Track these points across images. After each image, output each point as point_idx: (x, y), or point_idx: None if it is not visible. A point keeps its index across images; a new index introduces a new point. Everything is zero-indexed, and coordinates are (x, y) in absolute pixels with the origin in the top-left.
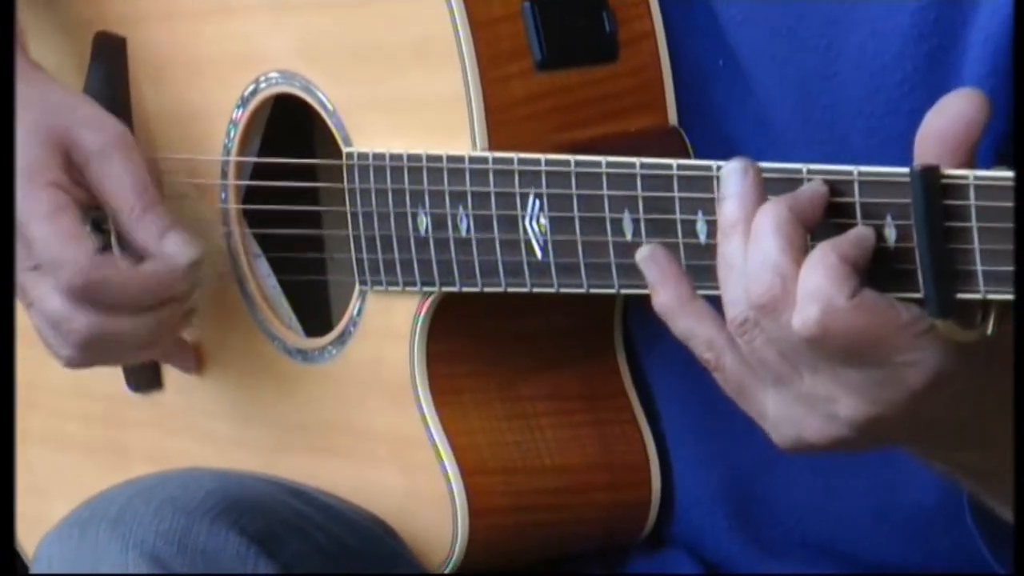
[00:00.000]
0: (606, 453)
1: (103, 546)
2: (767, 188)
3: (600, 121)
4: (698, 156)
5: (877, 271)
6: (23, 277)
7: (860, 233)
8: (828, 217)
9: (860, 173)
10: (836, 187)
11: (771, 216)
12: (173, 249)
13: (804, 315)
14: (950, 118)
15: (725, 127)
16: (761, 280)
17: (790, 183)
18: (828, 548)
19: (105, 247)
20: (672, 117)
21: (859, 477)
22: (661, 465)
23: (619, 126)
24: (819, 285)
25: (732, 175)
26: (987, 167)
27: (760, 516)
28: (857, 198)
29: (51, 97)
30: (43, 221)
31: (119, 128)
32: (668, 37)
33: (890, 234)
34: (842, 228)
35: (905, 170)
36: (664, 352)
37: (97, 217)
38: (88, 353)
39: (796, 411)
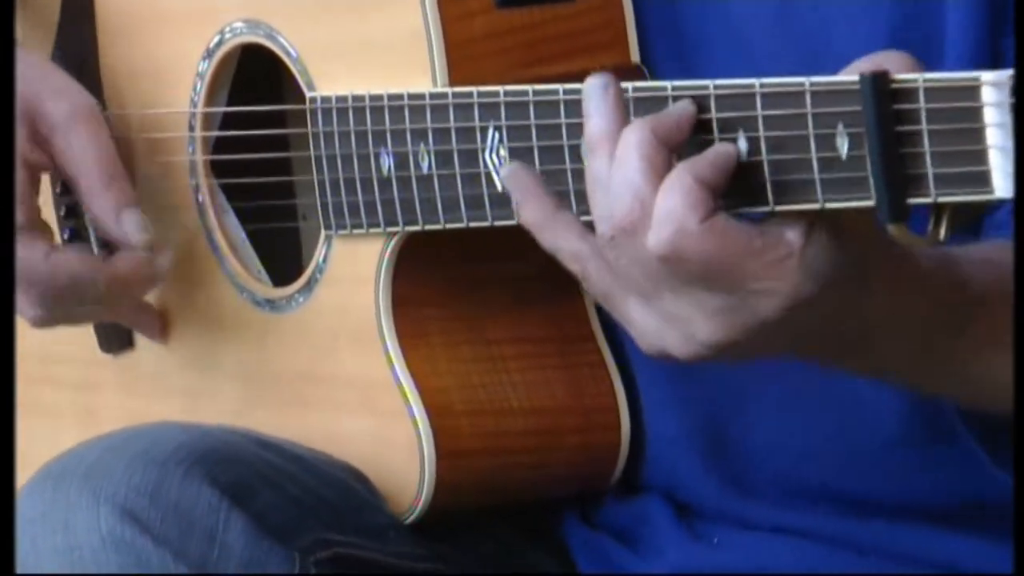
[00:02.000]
0: (575, 396)
1: (75, 501)
2: (644, 109)
3: (562, 59)
4: None
5: (830, 181)
6: None
7: (718, 151)
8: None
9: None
10: (702, 104)
11: (634, 139)
12: (128, 228)
13: (657, 236)
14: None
15: (701, 55)
16: (623, 202)
17: (659, 102)
18: (803, 484)
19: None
20: (635, 55)
21: (830, 413)
22: (631, 408)
23: (581, 64)
24: (672, 207)
25: (593, 92)
26: None
27: (734, 455)
28: (810, 108)
29: (22, 66)
30: None
31: (86, 100)
32: None
33: (841, 143)
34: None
35: (855, 78)
36: None
37: (70, 203)
38: (46, 314)
39: (658, 325)
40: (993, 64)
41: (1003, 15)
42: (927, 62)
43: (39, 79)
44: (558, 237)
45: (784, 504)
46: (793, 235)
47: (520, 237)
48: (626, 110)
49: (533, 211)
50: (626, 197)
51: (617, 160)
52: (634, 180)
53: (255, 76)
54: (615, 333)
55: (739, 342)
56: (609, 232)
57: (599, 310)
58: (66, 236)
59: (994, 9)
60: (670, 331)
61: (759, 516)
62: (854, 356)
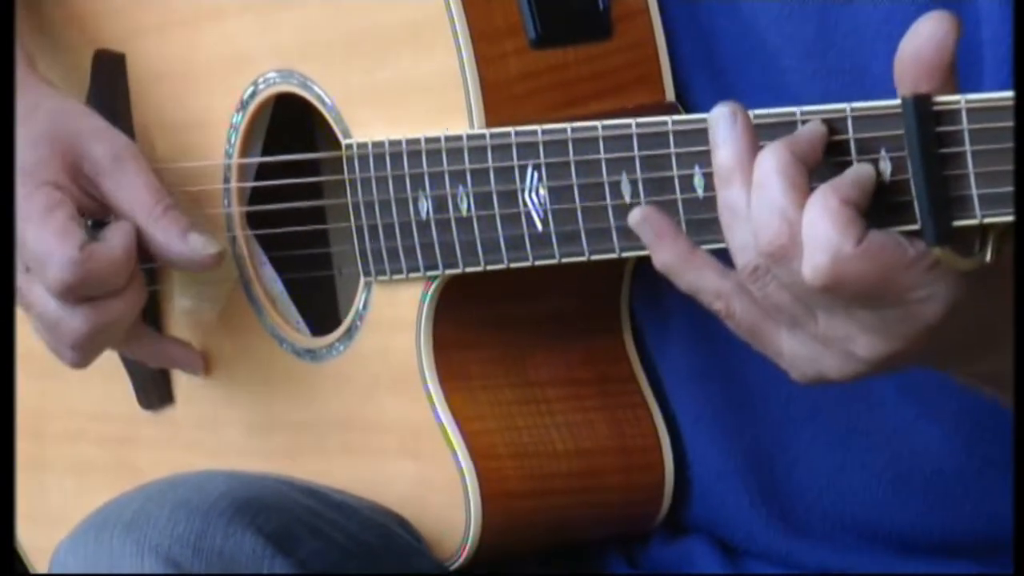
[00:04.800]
0: (618, 436)
1: (118, 551)
2: (765, 135)
3: (597, 98)
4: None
5: (874, 206)
6: (20, 280)
7: (859, 172)
8: (825, 156)
9: (853, 109)
10: (831, 125)
11: (773, 160)
12: (196, 245)
13: (813, 264)
14: (922, 39)
15: (738, 88)
16: (769, 227)
17: (786, 127)
18: (850, 520)
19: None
20: (669, 93)
21: (877, 447)
22: (675, 447)
23: (616, 103)
24: (825, 233)
25: (721, 121)
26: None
27: (781, 490)
28: (851, 135)
29: (61, 107)
30: (34, 220)
31: (126, 140)
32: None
33: (885, 167)
34: (840, 166)
35: (897, 102)
36: (673, 331)
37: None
38: (89, 349)
39: (813, 350)
40: None
41: None
42: (965, 78)
43: (77, 119)
44: (698, 278)
45: (831, 541)
46: None
47: (558, 276)
48: (756, 138)
49: (669, 255)
50: (773, 221)
51: (757, 183)
52: (779, 202)
53: (286, 126)
54: (655, 371)
55: (900, 353)
56: (754, 261)
57: (638, 349)
58: None
59: None
60: (826, 354)
61: (806, 555)
62: (977, 357)
